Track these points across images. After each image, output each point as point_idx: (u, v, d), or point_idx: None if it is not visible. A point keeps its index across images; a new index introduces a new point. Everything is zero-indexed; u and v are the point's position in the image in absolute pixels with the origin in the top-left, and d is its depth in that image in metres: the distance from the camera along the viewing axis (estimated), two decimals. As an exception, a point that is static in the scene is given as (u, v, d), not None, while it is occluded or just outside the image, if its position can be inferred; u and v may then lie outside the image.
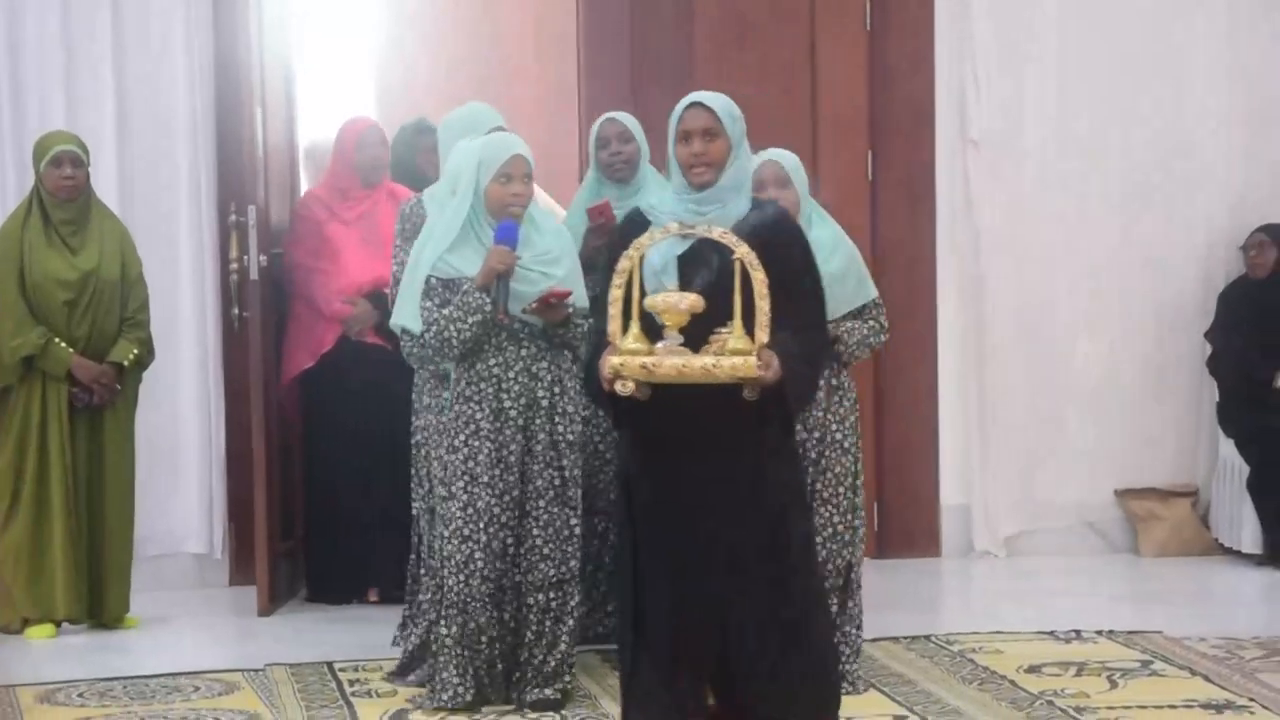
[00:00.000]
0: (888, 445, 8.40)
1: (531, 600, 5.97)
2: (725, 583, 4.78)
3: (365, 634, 7.04)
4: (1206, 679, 6.23)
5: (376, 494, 7.53)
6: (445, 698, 5.96)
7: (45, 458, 7.18)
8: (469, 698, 5.94)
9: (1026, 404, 8.47)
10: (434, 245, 6.00)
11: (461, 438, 5.95)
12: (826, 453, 6.13)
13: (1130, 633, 6.86)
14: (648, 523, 4.83)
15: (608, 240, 5.15)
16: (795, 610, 4.83)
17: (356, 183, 7.64)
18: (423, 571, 6.39)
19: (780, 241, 4.83)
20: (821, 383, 6.08)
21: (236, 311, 7.81)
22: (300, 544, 7.82)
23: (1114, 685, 6.21)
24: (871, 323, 6.18)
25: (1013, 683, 6.24)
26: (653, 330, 4.71)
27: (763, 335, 4.65)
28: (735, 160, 4.89)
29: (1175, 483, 8.54)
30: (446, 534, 5.97)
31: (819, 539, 6.11)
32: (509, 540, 5.95)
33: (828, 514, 6.12)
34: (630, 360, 4.66)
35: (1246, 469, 8.20)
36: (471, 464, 5.93)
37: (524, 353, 5.94)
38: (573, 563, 5.98)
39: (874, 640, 6.44)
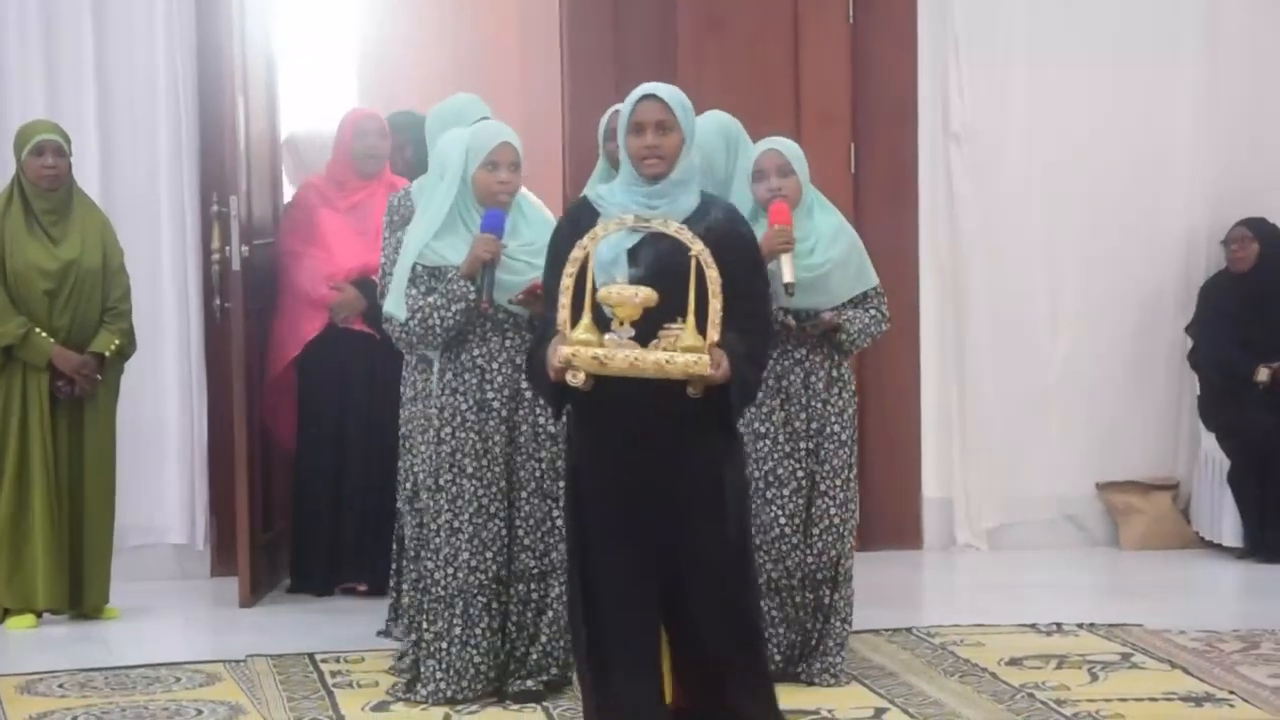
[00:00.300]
0: (870, 438, 8.38)
1: (513, 591, 5.96)
2: (672, 572, 4.80)
3: (347, 625, 7.03)
4: (1186, 672, 6.24)
5: (363, 484, 7.50)
6: (426, 692, 5.95)
7: (26, 448, 7.16)
8: (449, 693, 5.92)
9: (1008, 397, 8.48)
10: (420, 232, 5.99)
11: (448, 429, 5.94)
12: (825, 445, 6.14)
13: (1111, 625, 6.87)
14: (594, 513, 4.83)
15: (551, 238, 5.11)
16: (739, 603, 4.85)
17: (353, 173, 7.61)
18: (405, 564, 6.39)
19: (730, 243, 4.81)
20: (821, 373, 6.10)
21: (219, 302, 7.79)
22: (284, 534, 7.80)
23: (1094, 678, 6.22)
24: (873, 311, 6.18)
25: (994, 675, 6.25)
26: (598, 321, 4.70)
27: (714, 333, 4.66)
28: (686, 154, 4.88)
29: (1156, 476, 8.55)
30: (434, 526, 5.96)
31: (815, 530, 6.12)
32: (501, 530, 5.94)
33: (824, 505, 6.13)
34: (583, 351, 4.65)
35: (1227, 462, 8.22)
36: (457, 455, 5.92)
37: (508, 343, 5.93)
38: (554, 554, 5.97)
39: (855, 632, 6.44)
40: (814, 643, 6.17)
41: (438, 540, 5.94)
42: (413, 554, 6.33)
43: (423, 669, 5.97)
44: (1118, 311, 8.55)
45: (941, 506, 8.50)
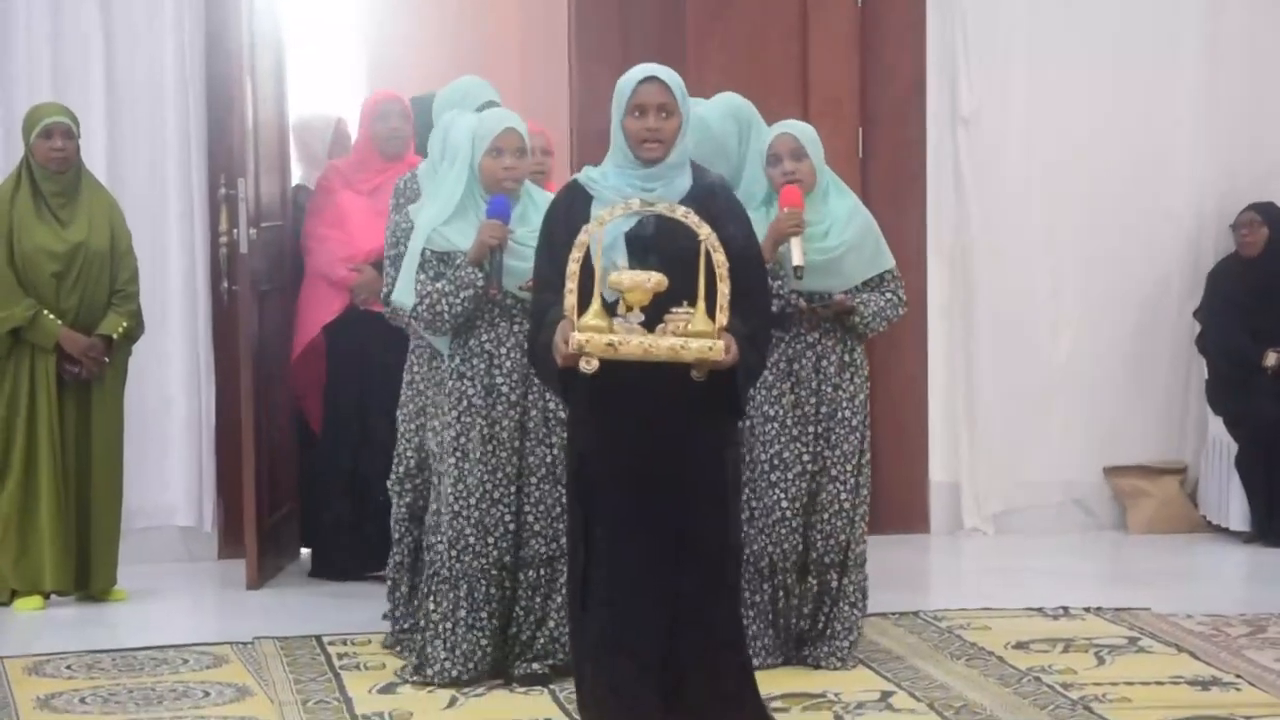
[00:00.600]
0: (877, 423, 8.32)
1: (521, 576, 5.96)
2: (674, 564, 4.76)
3: (355, 608, 7.04)
4: (1193, 656, 6.25)
5: (384, 466, 7.47)
6: (432, 672, 5.96)
7: (34, 430, 7.17)
8: (455, 673, 5.93)
9: (1015, 381, 8.48)
10: (429, 218, 5.99)
11: (455, 414, 5.94)
12: (835, 429, 6.13)
13: (1118, 609, 6.87)
14: (606, 499, 4.79)
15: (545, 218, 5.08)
16: (721, 598, 4.83)
17: (376, 155, 7.57)
18: (394, 550, 6.44)
19: (723, 217, 4.78)
20: (833, 357, 6.09)
21: (226, 285, 7.80)
22: (292, 516, 7.79)
23: (1101, 662, 6.22)
24: (889, 295, 6.17)
25: (1000, 659, 6.25)
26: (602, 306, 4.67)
27: (722, 317, 4.64)
28: (683, 137, 4.86)
29: (1163, 460, 8.55)
30: (441, 510, 5.97)
31: (824, 515, 6.12)
32: (507, 517, 5.94)
33: (834, 490, 6.12)
34: (596, 338, 4.61)
35: (1235, 447, 8.22)
36: (464, 440, 5.93)
37: (517, 328, 5.92)
38: (564, 540, 5.97)
39: (862, 616, 6.45)
40: (822, 626, 6.17)
41: (443, 524, 5.95)
42: (396, 535, 6.39)
43: (429, 650, 5.98)
44: (1125, 297, 8.54)
45: (949, 491, 8.50)
